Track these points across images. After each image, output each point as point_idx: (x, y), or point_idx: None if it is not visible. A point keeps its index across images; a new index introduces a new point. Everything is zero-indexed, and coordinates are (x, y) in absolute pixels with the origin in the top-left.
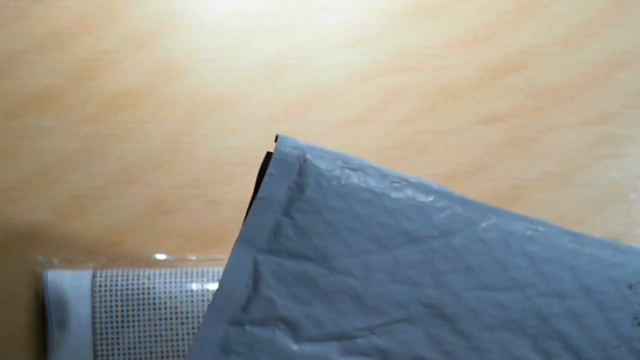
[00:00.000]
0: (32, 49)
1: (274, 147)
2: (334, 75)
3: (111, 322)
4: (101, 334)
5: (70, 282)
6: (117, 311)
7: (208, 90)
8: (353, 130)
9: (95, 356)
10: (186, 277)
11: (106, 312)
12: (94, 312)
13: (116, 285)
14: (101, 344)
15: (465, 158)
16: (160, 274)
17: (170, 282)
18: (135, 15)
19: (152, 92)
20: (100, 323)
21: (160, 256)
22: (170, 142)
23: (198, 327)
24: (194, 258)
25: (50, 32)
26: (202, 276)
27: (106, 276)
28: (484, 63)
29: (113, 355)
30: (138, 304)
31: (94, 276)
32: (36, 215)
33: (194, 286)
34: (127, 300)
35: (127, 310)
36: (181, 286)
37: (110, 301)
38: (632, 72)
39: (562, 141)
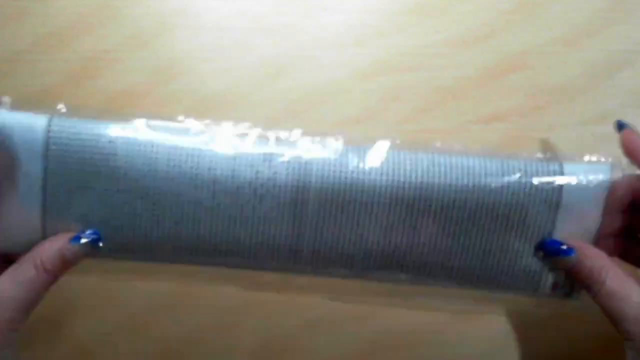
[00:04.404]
0: (32, 49)
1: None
2: (334, 75)
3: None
4: (52, 195)
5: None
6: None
7: (208, 90)
8: (353, 130)
9: (45, 212)
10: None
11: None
12: (45, 174)
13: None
14: (51, 206)
15: None
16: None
17: (134, 149)
18: (136, 14)
19: (152, 92)
20: (53, 186)
21: None
22: None
23: (158, 202)
24: None
25: (50, 32)
26: None
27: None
28: (484, 63)
29: (64, 218)
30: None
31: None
32: None
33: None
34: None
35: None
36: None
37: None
38: (632, 72)
39: (562, 141)
